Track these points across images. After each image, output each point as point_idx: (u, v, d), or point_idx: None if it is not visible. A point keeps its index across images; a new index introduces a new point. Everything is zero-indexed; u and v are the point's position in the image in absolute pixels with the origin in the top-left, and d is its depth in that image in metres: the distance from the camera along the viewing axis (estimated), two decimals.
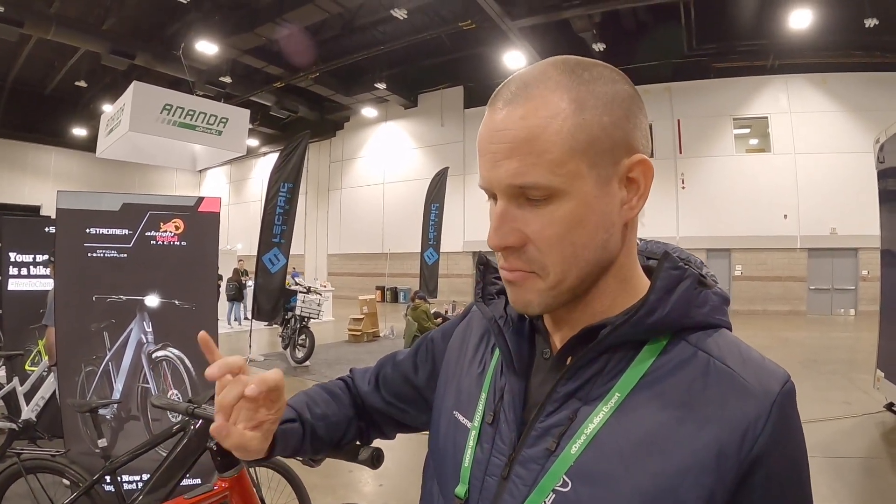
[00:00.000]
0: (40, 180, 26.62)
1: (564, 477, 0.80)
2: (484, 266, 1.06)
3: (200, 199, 4.43)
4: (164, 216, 4.31)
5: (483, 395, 0.98)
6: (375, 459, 1.27)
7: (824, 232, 20.23)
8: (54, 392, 5.40)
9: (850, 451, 6.01)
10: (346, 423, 1.22)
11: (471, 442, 0.95)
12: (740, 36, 19.72)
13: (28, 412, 5.53)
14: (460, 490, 0.94)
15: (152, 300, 4.29)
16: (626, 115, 0.81)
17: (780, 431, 0.77)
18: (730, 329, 0.88)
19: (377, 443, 1.33)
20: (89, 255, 4.19)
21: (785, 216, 20.69)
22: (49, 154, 28.09)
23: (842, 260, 20.32)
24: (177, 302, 4.32)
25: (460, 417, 1.00)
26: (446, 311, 13.54)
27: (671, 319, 0.82)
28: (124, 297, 4.24)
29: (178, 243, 4.34)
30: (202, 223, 4.42)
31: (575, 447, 0.81)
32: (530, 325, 0.96)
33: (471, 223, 24.60)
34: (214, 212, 4.46)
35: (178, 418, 3.98)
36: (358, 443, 1.28)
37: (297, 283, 13.98)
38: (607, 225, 0.82)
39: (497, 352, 1.00)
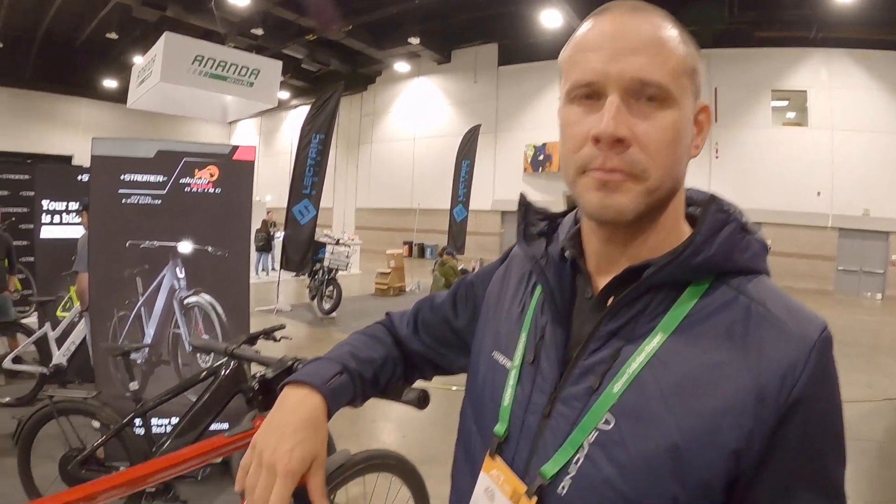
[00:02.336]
0: (71, 132, 26.83)
1: (607, 415, 0.81)
2: (525, 207, 1.06)
3: (235, 148, 4.43)
4: (199, 163, 4.33)
5: (523, 335, 0.99)
6: (423, 400, 1.27)
7: (856, 213, 19.67)
8: (85, 337, 5.52)
9: (868, 434, 5.96)
10: (393, 364, 1.23)
11: (511, 381, 0.96)
12: (784, 5, 19.04)
13: (59, 357, 5.66)
14: (499, 429, 0.95)
15: (185, 246, 4.33)
16: (700, 66, 0.87)
17: (819, 377, 0.78)
18: (769, 276, 0.88)
19: None
20: (123, 201, 4.23)
21: (818, 193, 20.09)
22: (80, 106, 28.24)
23: (872, 242, 19.75)
24: (210, 248, 4.36)
25: (500, 358, 1.01)
26: (473, 268, 13.55)
27: (715, 262, 0.83)
28: (158, 244, 4.29)
29: (213, 190, 4.36)
30: (237, 171, 4.43)
31: (617, 386, 0.82)
32: (571, 266, 0.96)
33: (501, 182, 24.45)
34: (249, 160, 4.47)
35: (209, 363, 4.05)
36: (401, 384, 1.29)
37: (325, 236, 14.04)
38: (687, 153, 0.85)
39: (537, 293, 1.01)
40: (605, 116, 0.79)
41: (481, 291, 1.17)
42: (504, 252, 1.19)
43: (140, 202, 4.26)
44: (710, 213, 0.84)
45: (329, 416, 1.07)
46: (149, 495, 3.55)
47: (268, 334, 3.34)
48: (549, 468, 0.85)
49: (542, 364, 0.93)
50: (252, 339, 3.20)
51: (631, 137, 0.80)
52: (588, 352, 0.87)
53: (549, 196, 22.40)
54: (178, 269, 4.33)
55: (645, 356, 0.82)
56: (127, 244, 4.25)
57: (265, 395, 1.35)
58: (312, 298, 12.36)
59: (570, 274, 0.96)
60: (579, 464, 0.82)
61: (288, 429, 0.99)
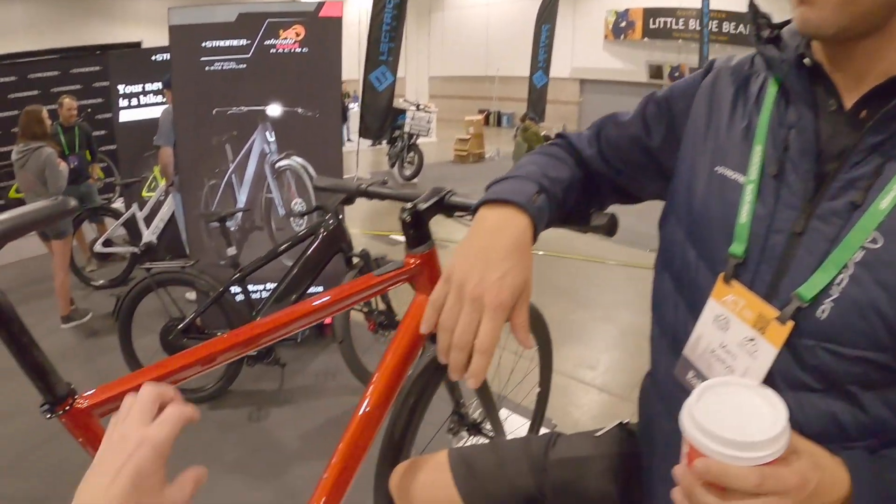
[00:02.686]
0: (132, 23, 26.63)
1: (875, 233, 0.75)
2: (755, 8, 0.93)
3: (321, 4, 4.21)
4: (284, 23, 4.16)
5: (758, 148, 0.88)
6: (613, 226, 1.13)
7: None
8: (173, 214, 5.60)
9: None
10: (580, 184, 1.11)
11: (748, 196, 0.86)
12: None
13: (149, 235, 5.79)
14: (737, 248, 0.85)
15: (274, 109, 4.25)
16: None
17: None
18: None
19: None
20: (206, 68, 4.14)
21: None
22: None
23: None
24: (300, 110, 4.26)
25: (728, 172, 0.91)
26: (555, 135, 13.24)
27: None
28: (245, 109, 4.22)
29: (300, 50, 4.20)
30: (324, 28, 4.25)
31: (884, 202, 0.75)
32: (809, 74, 0.85)
33: (580, 49, 23.36)
34: (336, 16, 4.27)
35: (303, 226, 4.03)
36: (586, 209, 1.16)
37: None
38: None
39: (767, 103, 0.90)
40: None
41: (681, 105, 1.04)
42: (705, 66, 1.05)
43: (224, 68, 4.16)
44: None
45: (534, 240, 0.95)
46: (250, 359, 3.63)
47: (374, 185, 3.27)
48: (807, 290, 0.77)
49: (787, 177, 0.84)
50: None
51: None
52: (850, 164, 0.78)
53: (630, 65, 21.48)
54: (267, 133, 4.26)
55: None
56: (213, 112, 4.20)
57: (416, 229, 1.24)
58: (392, 165, 12.36)
59: (809, 83, 0.85)
60: (843, 285, 0.76)
61: (494, 255, 0.87)
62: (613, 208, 1.19)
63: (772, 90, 0.91)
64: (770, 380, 0.81)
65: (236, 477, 3.08)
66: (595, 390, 3.89)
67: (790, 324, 0.78)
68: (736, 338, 0.85)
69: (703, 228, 0.93)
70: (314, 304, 1.27)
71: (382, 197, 1.54)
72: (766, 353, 0.81)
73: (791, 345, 0.79)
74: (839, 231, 0.77)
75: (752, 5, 0.94)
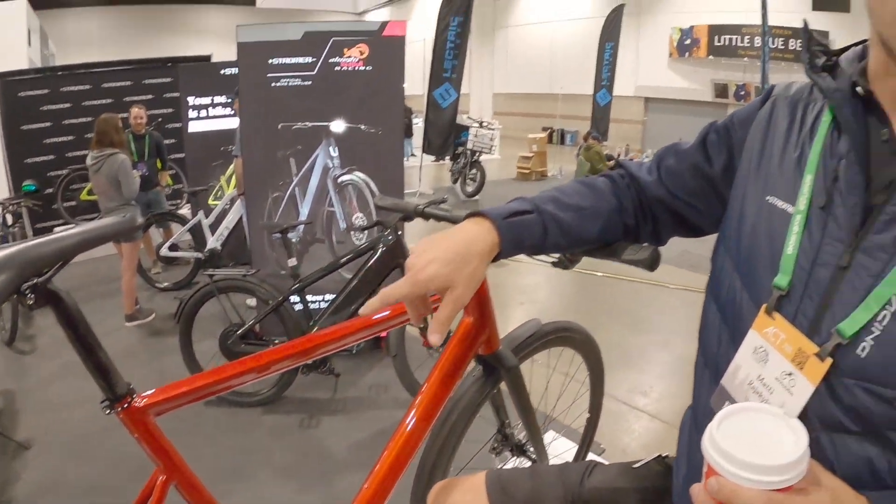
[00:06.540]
0: (203, 38, 27.33)
1: None
2: (809, 35, 0.93)
3: (385, 24, 4.32)
4: (348, 42, 4.25)
5: (808, 178, 0.87)
6: (654, 260, 1.13)
7: None
8: (239, 221, 5.78)
9: None
10: (606, 215, 1.12)
11: (795, 228, 0.85)
12: None
13: (213, 242, 5.98)
14: (781, 280, 0.85)
15: (338, 125, 4.34)
16: None
17: None
18: None
19: None
20: (273, 84, 4.26)
21: None
22: (210, 12, 28.55)
23: None
24: (363, 126, 4.34)
25: (777, 202, 0.90)
26: (619, 154, 13.14)
27: None
28: (310, 124, 4.32)
29: (364, 68, 4.29)
30: (387, 47, 4.33)
31: None
32: (863, 103, 0.83)
33: (644, 67, 23.04)
34: (400, 35, 4.35)
35: (364, 241, 4.10)
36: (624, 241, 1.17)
37: None
38: None
39: (821, 132, 0.89)
40: None
41: (740, 133, 1.04)
42: (763, 93, 1.05)
43: (290, 84, 4.28)
44: None
45: (501, 254, 1.03)
46: (305, 367, 3.70)
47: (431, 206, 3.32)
48: (848, 326, 0.76)
49: (835, 209, 0.82)
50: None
51: None
52: None
53: (695, 84, 21.11)
54: (331, 149, 4.36)
55: None
56: (279, 126, 4.31)
57: None
58: (455, 182, 12.44)
59: (862, 112, 0.83)
60: (885, 322, 0.73)
61: (440, 245, 0.98)
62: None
63: (826, 119, 0.90)
64: (805, 417, 0.79)
65: (285, 481, 3.15)
66: (647, 417, 3.84)
67: (829, 361, 0.77)
68: (774, 371, 0.84)
69: (750, 258, 0.93)
70: (372, 318, 1.31)
71: (438, 218, 1.58)
72: (804, 389, 0.80)
73: (829, 383, 0.78)
74: (884, 266, 0.75)
75: (805, 30, 0.94)
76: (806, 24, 0.94)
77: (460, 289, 0.95)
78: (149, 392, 1.18)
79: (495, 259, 1.03)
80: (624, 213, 1.14)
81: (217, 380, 1.25)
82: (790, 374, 0.82)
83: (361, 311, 1.01)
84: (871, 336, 0.74)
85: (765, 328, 0.86)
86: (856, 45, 0.91)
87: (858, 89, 0.84)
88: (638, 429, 3.74)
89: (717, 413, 0.79)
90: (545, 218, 1.04)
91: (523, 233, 1.02)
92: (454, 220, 1.42)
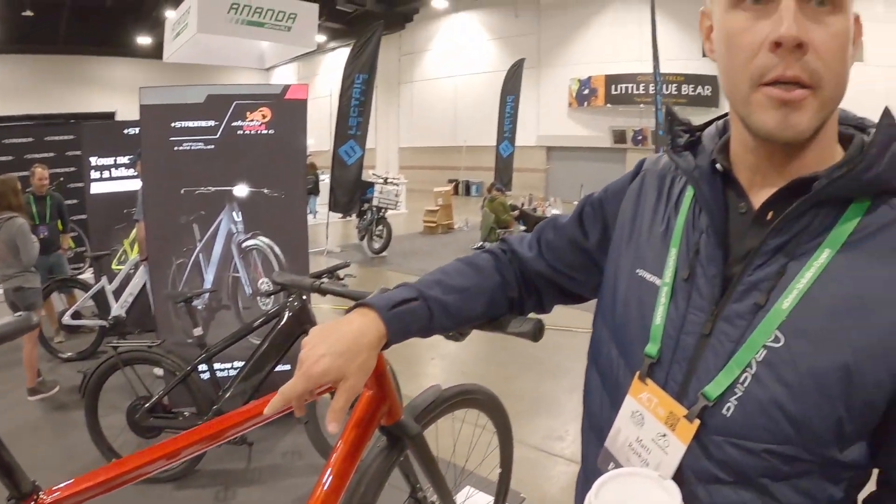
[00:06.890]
0: (109, 91, 26.86)
1: (776, 332, 0.79)
2: (671, 117, 1.00)
3: (287, 87, 4.35)
4: (251, 105, 4.26)
5: (673, 251, 0.94)
6: (538, 331, 1.18)
7: None
8: (143, 288, 5.62)
9: None
10: (490, 291, 1.17)
11: (662, 299, 0.92)
12: None
13: (117, 309, 5.79)
14: (651, 349, 0.91)
15: (241, 190, 4.31)
16: None
17: None
18: None
19: None
20: (175, 148, 4.22)
21: None
22: (116, 65, 28.13)
23: None
24: (266, 191, 4.33)
25: (646, 275, 0.97)
26: (522, 204, 13.42)
27: (883, 178, 0.78)
28: (213, 189, 4.28)
29: (266, 132, 4.30)
30: (289, 111, 4.36)
31: (787, 302, 0.79)
32: (722, 179, 0.91)
33: (545, 117, 23.90)
34: (301, 99, 4.39)
35: (270, 306, 4.06)
36: (508, 314, 1.22)
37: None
38: (851, 63, 0.79)
39: (684, 207, 0.96)
40: (784, 19, 0.73)
41: (612, 208, 1.10)
42: (634, 167, 1.12)
43: (192, 148, 4.24)
44: (883, 126, 0.79)
45: (389, 342, 1.06)
46: None
47: (332, 273, 3.32)
48: (713, 389, 0.82)
49: (698, 280, 0.89)
50: (316, 279, 3.20)
51: (808, 43, 0.74)
52: (753, 267, 0.83)
53: (595, 131, 22.05)
54: (234, 213, 4.32)
55: (814, 272, 0.79)
56: (182, 191, 4.25)
57: None
58: (361, 239, 12.41)
59: (721, 187, 0.91)
60: (746, 384, 0.80)
61: (330, 337, 1.01)
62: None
63: (689, 194, 0.96)
64: (681, 473, 0.84)
65: None
66: (564, 461, 3.89)
67: (697, 422, 0.83)
68: (650, 433, 0.90)
69: (624, 328, 0.98)
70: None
71: (335, 294, 1.61)
72: (677, 448, 0.85)
73: (700, 440, 0.83)
74: (743, 332, 0.81)
75: (668, 113, 1.01)
76: (668, 107, 1.02)
77: (352, 379, 0.99)
78: (57, 487, 1.15)
79: (384, 347, 1.07)
80: (507, 288, 1.19)
81: (125, 471, 1.22)
82: (664, 436, 0.88)
83: (266, 410, 1.02)
84: (735, 397, 0.80)
85: (639, 393, 0.92)
86: (717, 119, 0.99)
87: (718, 166, 0.91)
88: (556, 474, 3.78)
89: (604, 473, 0.84)
90: (430, 303, 1.09)
91: (409, 320, 1.06)
92: (352, 297, 1.44)
